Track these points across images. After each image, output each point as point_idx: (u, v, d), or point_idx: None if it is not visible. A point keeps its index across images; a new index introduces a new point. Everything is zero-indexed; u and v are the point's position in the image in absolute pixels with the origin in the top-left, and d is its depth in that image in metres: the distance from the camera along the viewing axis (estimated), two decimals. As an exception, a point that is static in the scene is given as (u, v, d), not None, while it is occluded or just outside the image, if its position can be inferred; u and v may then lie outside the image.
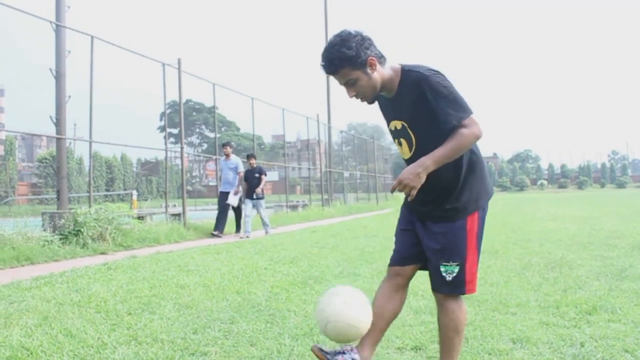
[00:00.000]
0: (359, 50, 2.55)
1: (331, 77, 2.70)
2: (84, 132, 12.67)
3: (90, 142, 11.80)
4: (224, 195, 13.59)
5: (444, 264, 2.74)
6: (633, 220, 14.47)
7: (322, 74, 2.67)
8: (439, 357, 2.91)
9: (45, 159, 39.25)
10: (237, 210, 13.74)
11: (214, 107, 18.64)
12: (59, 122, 10.90)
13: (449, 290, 2.77)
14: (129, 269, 7.14)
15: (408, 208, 2.95)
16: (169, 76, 14.39)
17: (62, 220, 9.99)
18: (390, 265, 3.02)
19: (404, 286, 3.00)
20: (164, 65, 14.22)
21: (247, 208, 13.40)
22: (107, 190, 43.73)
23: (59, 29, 10.88)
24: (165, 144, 15.28)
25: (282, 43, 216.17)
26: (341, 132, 37.12)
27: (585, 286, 5.34)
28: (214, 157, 19.15)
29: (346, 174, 35.10)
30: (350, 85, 2.63)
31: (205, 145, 73.95)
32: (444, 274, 2.75)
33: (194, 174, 68.93)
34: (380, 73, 2.64)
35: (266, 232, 13.55)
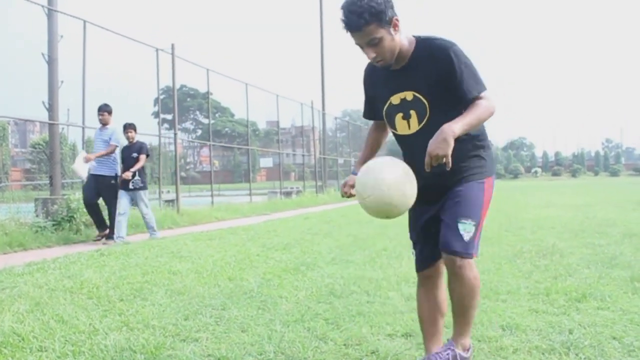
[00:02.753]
0: (386, 7, 2.44)
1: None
2: (77, 117, 12.59)
3: (83, 128, 11.76)
4: (93, 180, 9.52)
5: (463, 221, 2.61)
6: (625, 208, 14.53)
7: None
8: (454, 328, 2.82)
9: (39, 144, 38.91)
10: (111, 205, 9.58)
11: (208, 92, 18.60)
12: (51, 108, 10.86)
13: (464, 248, 2.60)
14: (121, 255, 7.14)
15: (422, 205, 2.76)
16: (163, 61, 14.38)
17: (55, 206, 9.99)
18: (419, 270, 2.93)
19: (439, 280, 2.91)
20: (157, 50, 14.18)
21: (122, 202, 9.51)
22: (101, 176, 43.48)
23: (51, 14, 10.81)
24: (159, 130, 15.26)
25: (277, 29, 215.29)
26: (335, 118, 37.18)
27: (575, 274, 5.38)
28: (208, 143, 19.13)
29: (340, 161, 35.09)
30: (373, 45, 2.50)
31: (199, 132, 73.69)
32: (461, 232, 2.61)
33: (188, 160, 68.70)
34: (400, 38, 2.56)
35: (150, 236, 9.81)
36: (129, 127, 9.86)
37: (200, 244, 8.30)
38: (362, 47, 2.55)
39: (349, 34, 2.50)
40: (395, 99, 2.72)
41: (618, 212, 12.96)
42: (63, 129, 16.52)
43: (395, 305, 4.26)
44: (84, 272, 5.89)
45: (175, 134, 15.37)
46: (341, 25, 2.48)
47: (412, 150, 2.78)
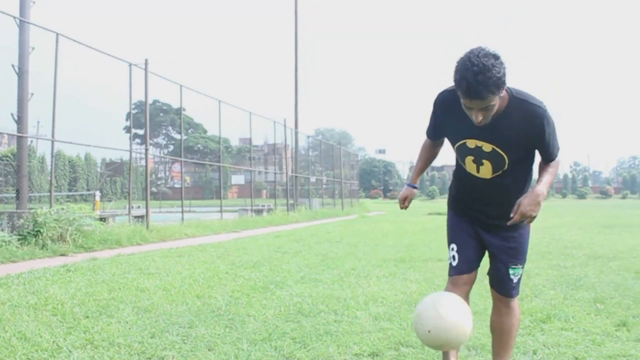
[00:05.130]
0: (505, 75, 2.37)
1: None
2: (47, 130, 12.45)
3: (52, 141, 11.61)
4: None
5: (513, 267, 2.89)
6: (591, 230, 14.82)
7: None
8: (498, 358, 3.02)
9: (6, 156, 38.29)
10: None
11: (180, 108, 18.52)
12: (20, 120, 10.70)
13: (516, 292, 2.94)
14: (88, 271, 7.04)
15: (470, 218, 2.95)
16: (136, 76, 14.26)
17: (21, 220, 9.80)
18: (458, 274, 2.94)
19: (469, 292, 2.99)
20: (130, 65, 14.08)
21: None
22: (70, 190, 42.93)
23: (22, 25, 10.69)
24: (130, 144, 15.11)
25: (251, 46, 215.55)
26: (308, 137, 37.20)
27: (541, 295, 5.46)
28: (180, 159, 19.01)
29: (312, 179, 35.12)
30: (487, 110, 2.44)
31: (171, 147, 73.25)
32: (511, 277, 2.89)
33: (159, 175, 68.13)
34: None
35: None
36: None
37: (168, 261, 8.22)
38: (470, 109, 2.47)
39: (463, 97, 2.42)
40: (470, 143, 2.69)
41: (584, 235, 13.21)
42: (32, 141, 16.29)
43: (363, 325, 4.28)
44: (49, 288, 5.79)
45: (146, 149, 15.25)
46: (460, 89, 2.38)
47: (475, 183, 2.84)
